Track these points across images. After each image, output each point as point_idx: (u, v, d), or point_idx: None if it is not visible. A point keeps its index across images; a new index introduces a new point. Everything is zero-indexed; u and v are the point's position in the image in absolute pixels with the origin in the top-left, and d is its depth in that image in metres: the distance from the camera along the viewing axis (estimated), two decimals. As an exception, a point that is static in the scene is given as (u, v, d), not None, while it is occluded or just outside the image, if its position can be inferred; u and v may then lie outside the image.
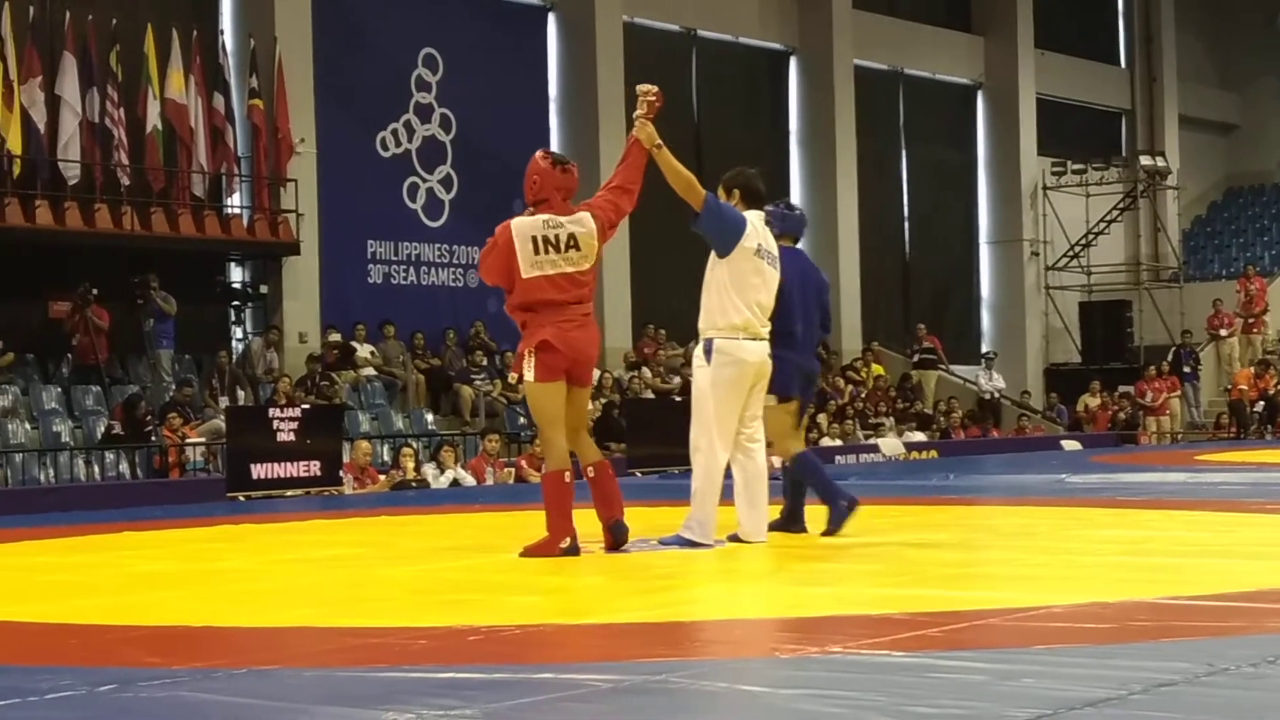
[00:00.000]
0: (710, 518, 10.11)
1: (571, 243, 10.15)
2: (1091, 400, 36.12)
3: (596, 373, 26.97)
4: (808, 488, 11.10)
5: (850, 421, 30.25)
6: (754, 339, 10.21)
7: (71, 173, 23.52)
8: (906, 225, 39.06)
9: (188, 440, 21.80)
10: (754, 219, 10.35)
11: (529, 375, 10.18)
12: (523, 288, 10.14)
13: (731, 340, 10.13)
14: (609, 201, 10.45)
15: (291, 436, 19.26)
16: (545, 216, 10.23)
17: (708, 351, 10.21)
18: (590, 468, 10.33)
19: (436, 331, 28.22)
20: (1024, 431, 34.12)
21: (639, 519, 10.88)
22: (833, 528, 10.81)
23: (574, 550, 10.03)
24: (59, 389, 23.08)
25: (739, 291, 10.11)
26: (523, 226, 10.20)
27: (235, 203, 26.00)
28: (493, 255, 10.28)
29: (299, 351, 25.91)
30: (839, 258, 34.69)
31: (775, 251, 10.41)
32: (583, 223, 10.24)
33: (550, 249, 10.11)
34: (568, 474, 10.14)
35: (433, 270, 29.11)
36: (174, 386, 23.35)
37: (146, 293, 23.77)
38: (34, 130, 23.17)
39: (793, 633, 7.02)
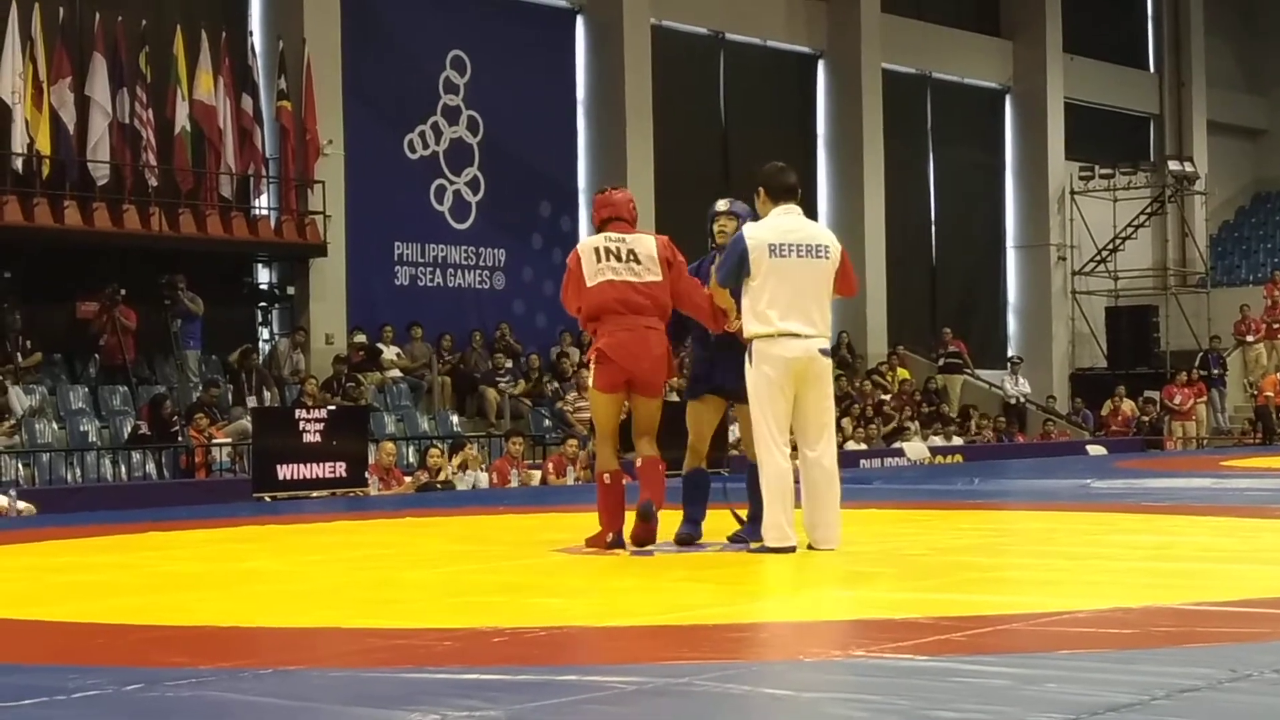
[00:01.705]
0: (784, 521, 9.98)
1: (631, 256, 10.43)
2: (1115, 404, 36.04)
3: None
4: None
5: (875, 425, 30.23)
6: (793, 337, 10.08)
7: (100, 173, 23.60)
8: (933, 229, 39.03)
9: (214, 441, 21.86)
10: (769, 222, 10.18)
11: (590, 382, 10.75)
12: (587, 296, 10.47)
13: (767, 340, 10.04)
14: (687, 284, 10.56)
15: (317, 438, 19.30)
16: (607, 233, 10.59)
17: (749, 355, 10.17)
18: (639, 459, 10.60)
19: (463, 333, 28.26)
20: (1049, 436, 34.08)
21: (664, 522, 10.87)
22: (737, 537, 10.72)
23: (618, 544, 10.41)
24: (86, 389, 23.17)
25: (761, 295, 10.02)
26: (586, 243, 10.70)
27: (263, 204, 26.09)
28: (568, 281, 10.65)
29: (325, 353, 25.98)
30: (865, 261, 34.67)
31: (814, 242, 10.15)
32: (643, 243, 10.52)
33: (611, 258, 10.44)
34: (607, 475, 10.48)
35: (459, 272, 29.17)
36: (200, 387, 23.42)
37: (174, 293, 23.86)
38: (63, 131, 23.27)
39: (816, 636, 7.03)
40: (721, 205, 10.85)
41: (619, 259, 10.39)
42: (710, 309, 10.44)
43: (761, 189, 10.38)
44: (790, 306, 10.02)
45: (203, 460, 21.62)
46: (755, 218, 10.63)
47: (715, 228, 10.75)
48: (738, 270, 10.08)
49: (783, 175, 10.44)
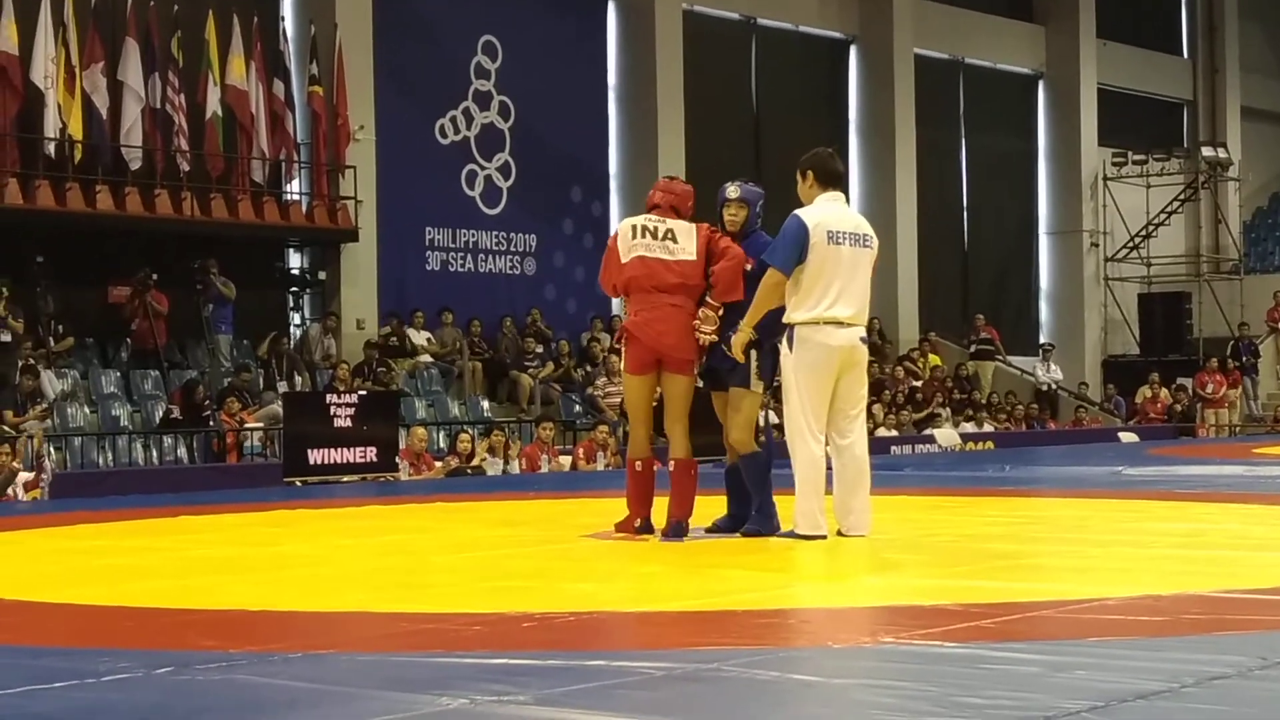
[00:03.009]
0: (816, 508, 9.93)
1: (669, 235, 10.42)
2: (1148, 391, 35.95)
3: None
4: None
5: (906, 412, 30.19)
6: (837, 325, 9.99)
7: (133, 158, 23.65)
8: (965, 215, 38.94)
9: (245, 425, 21.89)
10: (821, 208, 10.12)
11: (622, 365, 10.79)
12: (620, 271, 10.48)
13: (811, 326, 9.98)
14: (732, 258, 10.40)
15: (348, 422, 19.34)
16: (649, 214, 10.60)
17: (789, 340, 10.06)
18: (672, 463, 10.55)
19: (494, 319, 28.27)
20: (1081, 423, 34.00)
21: (694, 508, 10.87)
22: (746, 529, 10.51)
23: (647, 529, 10.43)
24: (118, 373, 23.23)
25: (814, 281, 9.93)
26: (626, 221, 10.72)
27: (294, 189, 26.13)
28: (607, 259, 10.65)
29: (356, 338, 26.02)
30: (897, 247, 34.59)
31: (860, 231, 10.18)
32: (683, 227, 10.49)
33: (647, 235, 10.44)
34: (639, 463, 10.52)
35: (490, 258, 29.18)
36: (232, 372, 23.47)
37: (206, 278, 23.91)
38: (96, 115, 23.31)
39: (845, 622, 7.03)
40: (731, 192, 10.59)
41: (655, 237, 10.38)
42: (736, 274, 10.32)
43: (811, 172, 10.27)
44: (840, 294, 9.98)
45: (234, 444, 21.66)
46: (764, 200, 10.64)
47: (726, 214, 10.56)
48: (798, 255, 9.97)
49: (833, 162, 10.43)
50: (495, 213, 29.22)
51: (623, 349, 10.62)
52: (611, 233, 10.82)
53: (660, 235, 10.39)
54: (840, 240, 10.01)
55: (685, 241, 10.37)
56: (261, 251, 26.09)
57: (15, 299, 21.67)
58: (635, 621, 7.10)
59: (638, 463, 10.51)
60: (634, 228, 10.49)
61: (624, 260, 10.43)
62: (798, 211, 10.14)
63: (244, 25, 24.80)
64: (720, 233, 10.51)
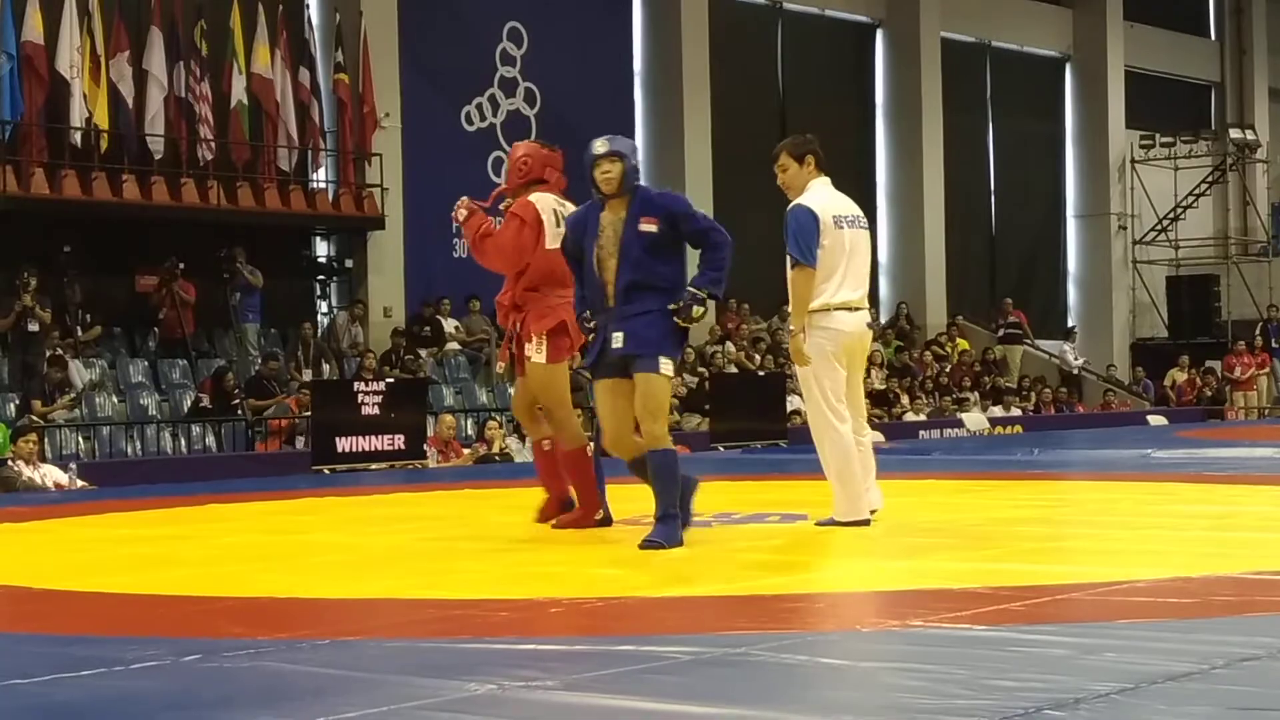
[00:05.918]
0: (857, 494, 9.83)
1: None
2: (1179, 375, 35.88)
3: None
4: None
5: (934, 396, 30.15)
6: (847, 310, 9.88)
7: (158, 147, 23.68)
8: (993, 199, 38.84)
9: (301, 413, 21.84)
10: (820, 194, 9.99)
11: (538, 358, 10.21)
12: (543, 259, 10.10)
13: (823, 313, 9.89)
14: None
15: (376, 410, 19.36)
16: (555, 196, 10.34)
17: (803, 328, 10.01)
18: (545, 441, 10.48)
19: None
20: (1109, 406, 33.93)
21: (721, 494, 10.87)
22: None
23: (607, 521, 10.24)
24: (146, 362, 23.29)
25: (824, 268, 9.87)
26: (543, 201, 10.29)
27: (320, 177, 26.15)
28: (525, 232, 10.12)
29: (384, 326, 26.05)
30: (924, 231, 34.57)
31: (856, 212, 10.09)
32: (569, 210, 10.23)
33: (562, 224, 10.09)
34: (590, 447, 10.28)
35: (517, 245, 29.10)
36: (259, 360, 23.52)
37: (233, 267, 23.98)
38: (122, 105, 23.34)
39: (873, 606, 7.02)
40: (600, 147, 9.57)
41: (558, 226, 10.09)
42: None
43: (811, 157, 10.16)
44: (846, 277, 9.90)
45: (288, 428, 21.70)
46: (636, 156, 9.90)
47: (598, 174, 9.47)
48: (815, 240, 9.77)
49: (817, 146, 10.33)
50: (522, 200, 29.14)
51: (547, 341, 10.15)
52: (529, 204, 10.20)
53: (560, 224, 10.09)
54: (842, 224, 9.95)
55: None
56: (288, 240, 26.13)
57: (43, 289, 21.71)
58: (663, 606, 7.09)
59: (589, 446, 10.26)
60: (555, 213, 10.15)
61: (549, 247, 10.05)
62: (802, 201, 9.94)
63: (269, 13, 24.82)
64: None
